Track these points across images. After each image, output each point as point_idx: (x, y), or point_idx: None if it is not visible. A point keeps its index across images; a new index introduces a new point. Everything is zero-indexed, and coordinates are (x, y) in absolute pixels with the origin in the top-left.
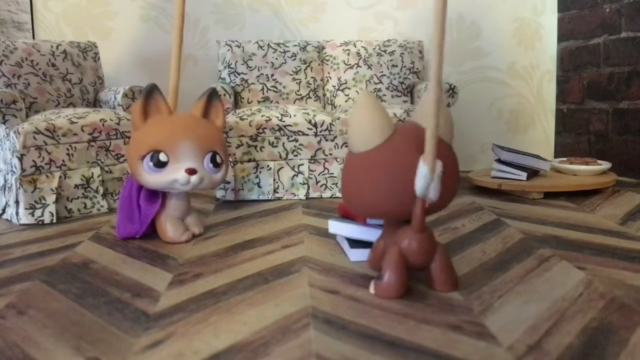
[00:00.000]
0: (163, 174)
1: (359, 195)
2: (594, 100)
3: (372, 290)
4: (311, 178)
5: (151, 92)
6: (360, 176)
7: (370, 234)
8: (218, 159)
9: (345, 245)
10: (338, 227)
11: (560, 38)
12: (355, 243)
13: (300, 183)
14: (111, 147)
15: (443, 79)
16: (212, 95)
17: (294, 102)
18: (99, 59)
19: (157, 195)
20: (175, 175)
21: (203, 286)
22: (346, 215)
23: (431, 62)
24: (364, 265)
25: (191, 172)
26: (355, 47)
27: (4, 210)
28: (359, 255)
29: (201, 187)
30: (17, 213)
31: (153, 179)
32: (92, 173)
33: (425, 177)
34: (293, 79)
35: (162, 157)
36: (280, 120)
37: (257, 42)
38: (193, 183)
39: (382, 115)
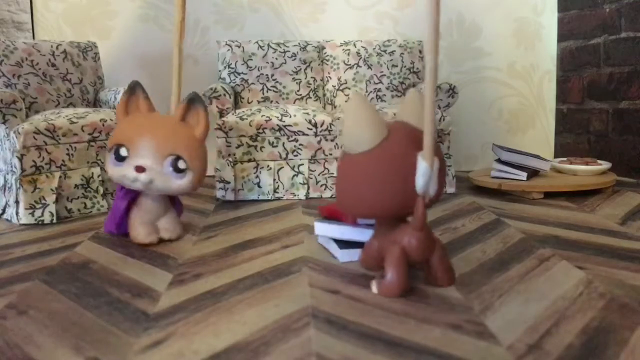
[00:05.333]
0: (121, 168)
1: (356, 195)
2: (594, 100)
3: (374, 289)
4: (311, 178)
5: (133, 89)
6: (358, 177)
7: (360, 234)
8: (181, 165)
9: (332, 246)
10: (326, 229)
11: (560, 38)
12: (342, 244)
13: (300, 183)
14: None
15: (443, 79)
16: (193, 101)
17: (294, 102)
18: (99, 59)
19: (132, 193)
20: (126, 171)
21: (203, 286)
22: (330, 217)
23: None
24: None
25: (140, 169)
26: (355, 47)
27: (4, 210)
28: (348, 255)
29: (155, 189)
30: (17, 213)
31: (113, 171)
32: (92, 173)
33: (425, 173)
34: (293, 79)
35: (123, 151)
36: (280, 120)
37: (257, 42)
38: (142, 182)
39: (377, 116)
